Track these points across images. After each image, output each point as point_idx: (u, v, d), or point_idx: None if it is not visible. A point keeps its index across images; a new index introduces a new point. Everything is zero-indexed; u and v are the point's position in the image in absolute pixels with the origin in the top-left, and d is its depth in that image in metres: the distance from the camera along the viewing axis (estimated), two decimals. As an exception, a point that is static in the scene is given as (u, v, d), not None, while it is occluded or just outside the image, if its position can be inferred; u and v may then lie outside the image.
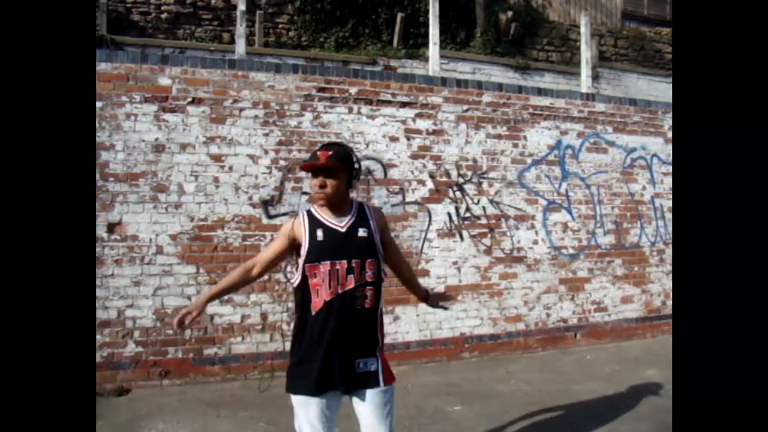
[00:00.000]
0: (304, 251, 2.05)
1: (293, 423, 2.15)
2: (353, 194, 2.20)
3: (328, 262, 1.99)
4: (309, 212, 2.12)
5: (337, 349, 1.99)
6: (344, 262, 2.00)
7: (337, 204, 2.07)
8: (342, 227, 2.05)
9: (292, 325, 2.24)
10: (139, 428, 3.33)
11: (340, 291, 1.99)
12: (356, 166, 2.10)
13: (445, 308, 2.62)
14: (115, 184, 4.07)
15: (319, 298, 2.00)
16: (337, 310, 1.99)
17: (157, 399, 3.77)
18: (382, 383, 2.04)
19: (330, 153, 2.01)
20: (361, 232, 2.06)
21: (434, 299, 2.46)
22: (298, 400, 2.03)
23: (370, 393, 2.01)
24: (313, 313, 2.02)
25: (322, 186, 2.01)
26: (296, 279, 2.08)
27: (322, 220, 2.07)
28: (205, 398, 3.81)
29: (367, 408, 2.02)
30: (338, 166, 2.01)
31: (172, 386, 4.03)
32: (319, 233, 2.04)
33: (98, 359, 3.93)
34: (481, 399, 3.85)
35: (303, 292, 2.06)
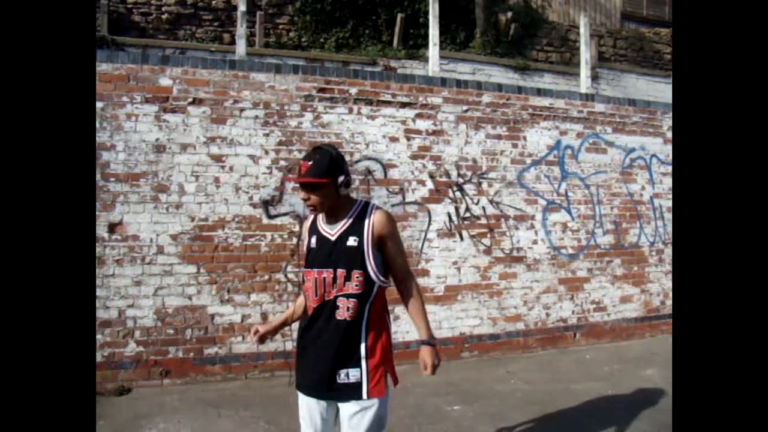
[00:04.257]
0: (302, 255, 2.08)
1: (294, 422, 2.17)
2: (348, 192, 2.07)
3: (316, 271, 1.97)
4: (314, 215, 2.10)
5: (317, 356, 1.97)
6: (330, 270, 1.95)
7: (332, 210, 2.00)
8: (332, 235, 1.99)
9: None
10: (140, 427, 3.34)
11: (325, 299, 1.96)
12: (344, 170, 1.96)
13: (429, 370, 2.11)
14: (116, 185, 4.08)
15: (309, 303, 2.02)
16: (320, 319, 1.98)
17: (157, 398, 3.78)
18: (365, 395, 1.92)
19: (310, 164, 1.91)
20: (351, 241, 1.95)
21: (426, 354, 2.09)
22: (300, 400, 2.06)
23: (350, 405, 1.93)
24: (308, 314, 2.05)
25: (306, 199, 1.96)
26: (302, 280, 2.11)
27: (318, 226, 2.04)
28: (206, 398, 3.82)
29: (345, 420, 1.95)
30: (317, 181, 1.90)
31: (173, 386, 4.04)
32: (313, 240, 2.02)
33: (99, 359, 3.94)
34: (481, 398, 3.86)
35: (303, 294, 2.10)
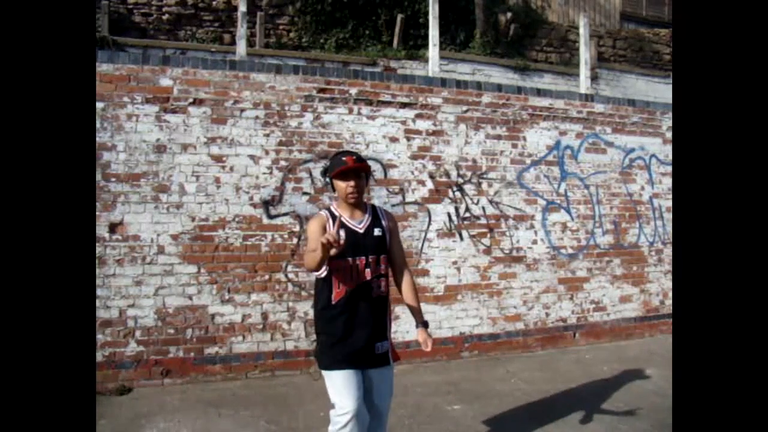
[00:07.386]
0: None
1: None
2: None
3: (350, 259, 2.29)
4: (330, 213, 2.39)
5: (359, 331, 2.30)
6: (363, 258, 2.32)
7: (359, 204, 2.38)
8: (360, 228, 2.36)
9: (312, 312, 2.53)
10: (141, 427, 3.34)
11: (360, 282, 2.30)
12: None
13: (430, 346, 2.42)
14: (117, 185, 4.08)
15: (341, 289, 2.30)
16: (357, 299, 2.30)
17: (158, 398, 3.79)
18: (391, 361, 2.42)
19: (354, 157, 2.31)
20: (377, 232, 2.38)
21: (423, 335, 2.38)
22: (341, 375, 2.27)
23: (383, 370, 2.36)
24: (334, 302, 2.31)
25: (356, 186, 2.30)
26: (322, 272, 2.33)
27: (343, 221, 2.33)
28: (207, 397, 3.82)
29: (380, 383, 2.36)
30: (366, 166, 2.33)
31: (174, 385, 4.04)
32: (342, 233, 2.25)
33: (100, 358, 3.94)
34: (481, 398, 3.87)
35: (326, 283, 2.34)
